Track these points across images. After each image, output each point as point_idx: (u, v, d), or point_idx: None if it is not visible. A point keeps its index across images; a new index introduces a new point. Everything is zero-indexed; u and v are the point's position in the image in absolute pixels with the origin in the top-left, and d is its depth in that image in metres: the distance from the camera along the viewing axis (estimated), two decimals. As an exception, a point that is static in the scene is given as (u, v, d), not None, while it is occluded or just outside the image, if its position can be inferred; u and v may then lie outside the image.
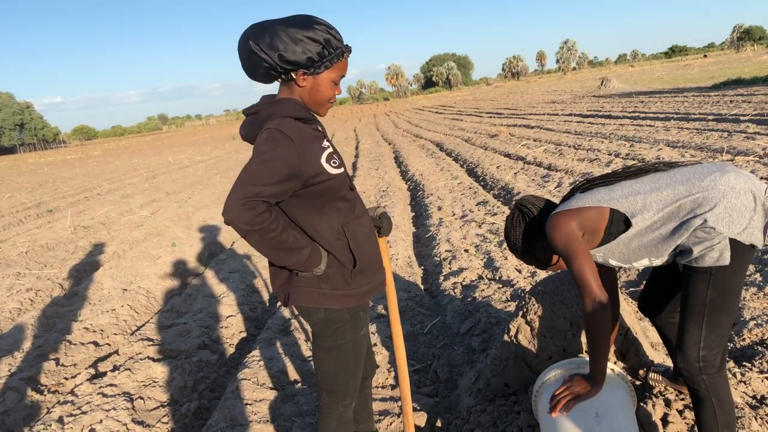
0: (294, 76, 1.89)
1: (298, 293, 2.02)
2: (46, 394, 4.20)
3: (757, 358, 3.05)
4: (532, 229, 2.31)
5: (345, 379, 2.18)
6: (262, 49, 1.80)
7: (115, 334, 5.15)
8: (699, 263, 1.99)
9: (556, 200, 7.18)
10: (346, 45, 1.93)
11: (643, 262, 2.18)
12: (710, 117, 13.90)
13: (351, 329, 2.10)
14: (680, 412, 2.50)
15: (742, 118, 12.76)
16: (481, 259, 5.60)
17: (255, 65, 1.86)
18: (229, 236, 8.60)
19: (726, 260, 1.94)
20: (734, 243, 1.94)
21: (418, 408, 3.23)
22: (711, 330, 1.99)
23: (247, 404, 3.45)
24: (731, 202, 1.94)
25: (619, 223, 2.12)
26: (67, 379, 4.42)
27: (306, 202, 1.92)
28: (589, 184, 2.25)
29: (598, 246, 2.19)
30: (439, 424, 3.08)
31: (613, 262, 2.25)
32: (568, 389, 2.13)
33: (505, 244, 5.86)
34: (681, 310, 2.08)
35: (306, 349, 4.12)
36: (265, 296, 5.78)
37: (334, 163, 1.94)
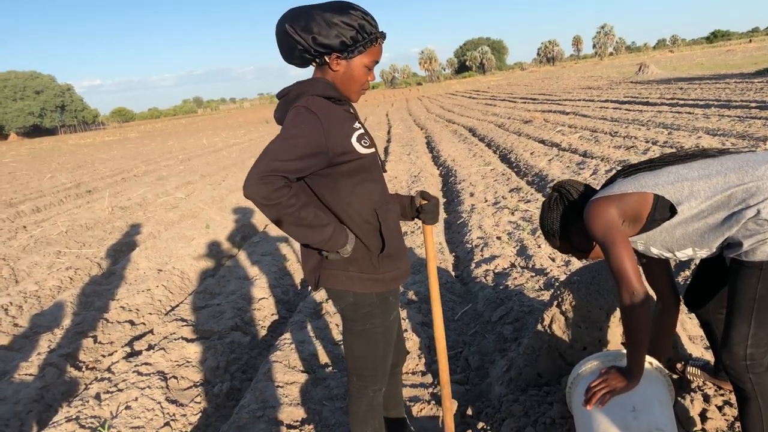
0: (327, 60, 1.91)
1: (327, 275, 2.03)
2: (84, 370, 4.31)
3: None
4: (570, 213, 2.23)
5: (374, 363, 2.18)
6: (297, 32, 1.83)
7: (150, 313, 5.24)
8: (749, 257, 1.89)
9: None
10: (381, 31, 1.94)
11: (687, 252, 2.08)
12: (753, 104, 13.46)
13: (380, 314, 2.09)
14: (719, 408, 2.43)
15: (787, 105, 12.34)
16: (514, 247, 5.54)
17: (290, 48, 1.89)
18: (262, 219, 8.68)
19: None
20: None
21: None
22: (759, 327, 1.90)
23: (278, 386, 3.48)
24: None
25: (664, 210, 2.01)
26: (104, 356, 4.52)
27: (334, 182, 1.93)
28: (633, 168, 2.16)
29: (639, 233, 2.10)
30: (469, 412, 3.06)
31: (654, 251, 2.15)
32: (604, 382, 2.08)
33: (539, 232, 5.78)
34: (728, 306, 1.99)
35: (337, 333, 4.14)
36: (297, 279, 5.82)
37: (365, 143, 1.95)
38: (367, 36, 1.89)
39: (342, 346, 3.94)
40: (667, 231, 2.05)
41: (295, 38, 1.84)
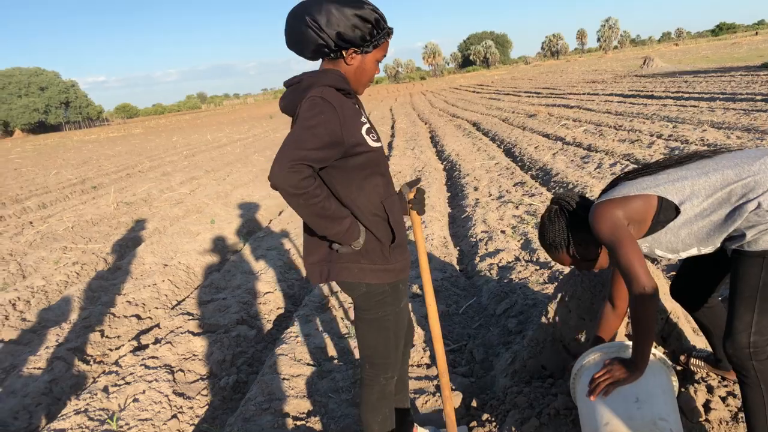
0: (344, 54, 1.92)
1: (339, 269, 2.06)
2: (92, 364, 4.34)
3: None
4: (572, 223, 2.22)
5: (386, 351, 2.22)
6: (320, 27, 1.83)
7: (157, 308, 5.28)
8: (751, 247, 1.93)
9: (597, 181, 7.06)
10: (390, 26, 1.98)
11: (692, 252, 2.11)
12: (759, 97, 13.42)
13: (392, 302, 2.14)
14: (723, 399, 2.45)
15: (793, 98, 12.28)
16: (518, 241, 5.55)
17: (307, 42, 1.88)
18: (266, 214, 8.71)
19: None
20: None
21: (454, 388, 3.23)
22: (763, 315, 1.93)
23: (284, 379, 3.51)
24: None
25: (668, 211, 2.04)
26: (111, 350, 4.56)
27: (347, 175, 1.95)
28: (632, 173, 2.18)
29: (645, 236, 2.12)
30: (474, 404, 3.08)
31: (659, 253, 2.17)
32: (608, 373, 2.10)
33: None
34: (730, 295, 2.02)
35: (343, 327, 4.16)
36: (303, 274, 5.84)
37: (373, 137, 1.99)
38: (381, 31, 1.92)
39: (348, 339, 3.96)
40: (673, 232, 2.07)
41: (318, 34, 1.84)
